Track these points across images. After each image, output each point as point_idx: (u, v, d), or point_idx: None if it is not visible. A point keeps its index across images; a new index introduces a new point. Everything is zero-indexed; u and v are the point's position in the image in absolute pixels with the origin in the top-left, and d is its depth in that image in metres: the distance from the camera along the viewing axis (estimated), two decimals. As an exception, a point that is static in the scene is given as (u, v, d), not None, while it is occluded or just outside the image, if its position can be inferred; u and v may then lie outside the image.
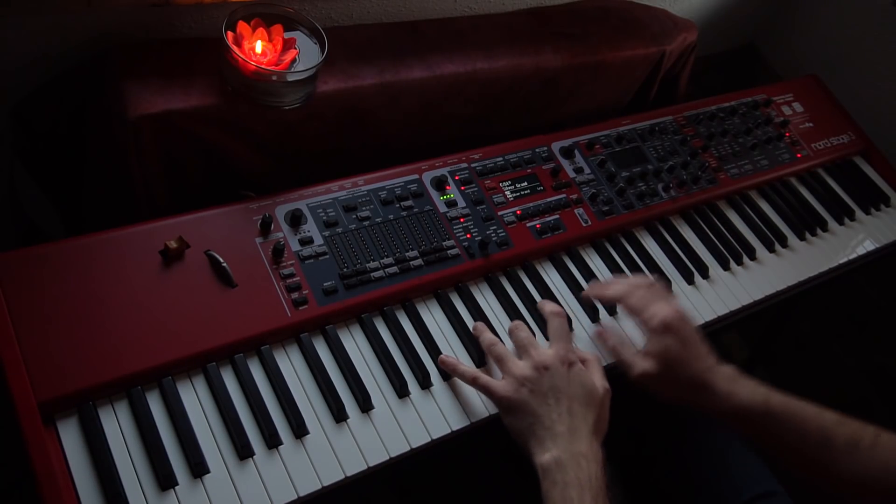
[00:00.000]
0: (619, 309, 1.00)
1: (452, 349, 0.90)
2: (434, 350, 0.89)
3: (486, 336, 0.88)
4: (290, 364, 0.83)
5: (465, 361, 0.89)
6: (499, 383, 0.81)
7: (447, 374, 0.87)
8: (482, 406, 0.86)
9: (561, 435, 0.75)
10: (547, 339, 0.93)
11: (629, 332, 0.98)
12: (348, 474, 0.77)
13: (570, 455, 0.74)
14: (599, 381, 0.82)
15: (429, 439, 0.82)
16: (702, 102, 1.32)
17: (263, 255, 0.87)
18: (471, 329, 0.91)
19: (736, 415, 0.83)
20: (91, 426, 0.72)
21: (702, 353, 0.87)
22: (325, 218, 0.92)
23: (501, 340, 0.88)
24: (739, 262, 1.14)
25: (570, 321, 0.94)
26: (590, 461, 0.74)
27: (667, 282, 1.06)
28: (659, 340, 0.87)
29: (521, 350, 0.84)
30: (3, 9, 0.80)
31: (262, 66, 0.89)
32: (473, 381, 0.83)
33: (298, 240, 0.90)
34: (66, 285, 0.77)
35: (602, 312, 0.99)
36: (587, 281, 1.02)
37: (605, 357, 0.94)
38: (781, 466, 0.85)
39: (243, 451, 0.75)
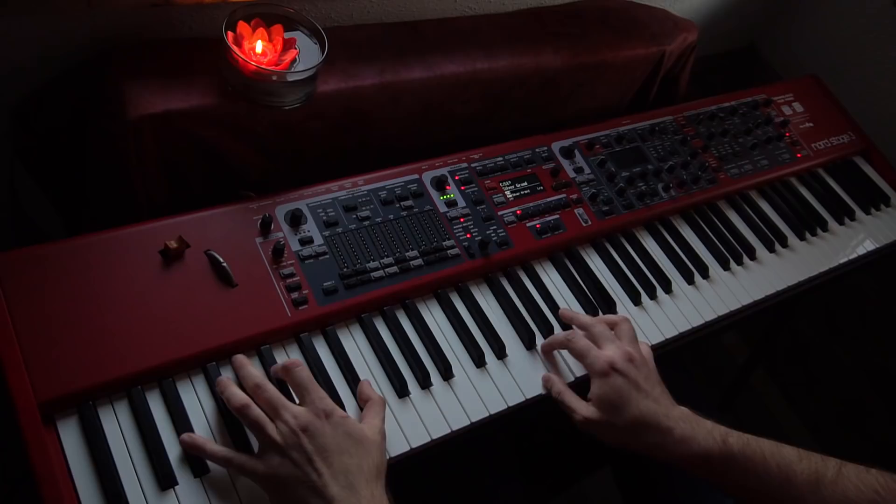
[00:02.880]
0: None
1: (452, 349, 0.90)
2: (434, 350, 0.89)
3: (233, 392, 0.75)
4: (290, 364, 0.83)
5: (465, 361, 0.90)
6: (258, 462, 0.71)
7: (447, 374, 0.87)
8: (482, 406, 0.86)
9: (337, 497, 0.68)
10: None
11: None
12: (348, 474, 0.77)
13: None
14: (373, 427, 0.75)
15: (429, 439, 0.82)
16: (702, 102, 1.32)
17: (263, 255, 0.87)
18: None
19: (694, 460, 0.79)
20: (91, 426, 0.72)
21: (655, 396, 0.83)
22: (325, 218, 0.92)
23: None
24: (739, 262, 1.14)
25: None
26: None
27: (666, 282, 1.06)
28: (602, 384, 0.84)
29: (271, 412, 0.73)
30: (2, 9, 0.80)
31: (263, 66, 0.89)
32: (227, 464, 0.72)
33: (298, 240, 0.90)
34: (66, 285, 0.77)
35: (601, 314, 0.99)
36: (587, 281, 1.02)
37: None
38: None
39: (243, 450, 0.75)
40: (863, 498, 0.74)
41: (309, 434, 0.71)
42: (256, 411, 0.73)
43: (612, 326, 0.91)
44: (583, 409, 0.84)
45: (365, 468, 0.71)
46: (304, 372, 0.77)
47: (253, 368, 0.78)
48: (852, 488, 0.75)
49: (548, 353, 0.93)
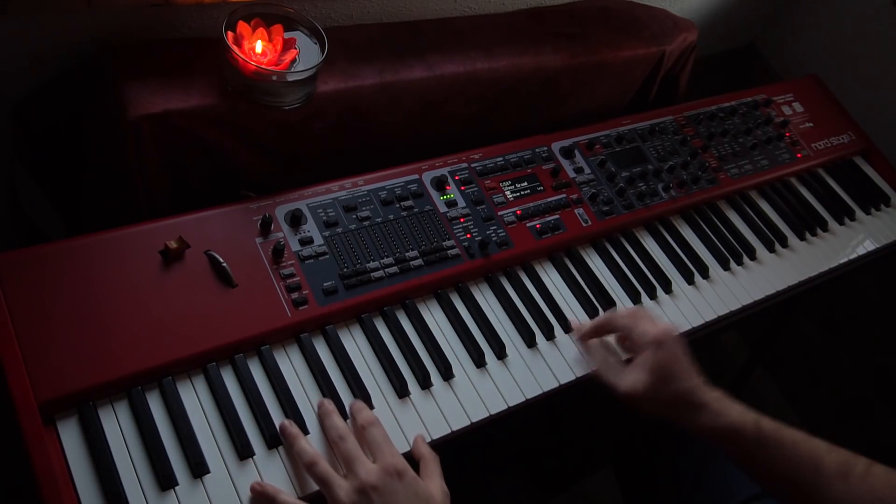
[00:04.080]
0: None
1: (452, 349, 0.90)
2: (434, 350, 0.89)
3: (301, 447, 0.75)
4: (290, 364, 0.83)
5: (465, 361, 0.90)
6: None
7: (447, 374, 0.87)
8: (483, 406, 0.86)
9: None
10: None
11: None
12: (348, 474, 0.77)
13: None
14: (437, 486, 0.75)
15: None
16: (702, 102, 1.32)
17: (263, 255, 0.87)
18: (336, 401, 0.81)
19: (726, 434, 0.82)
20: (91, 426, 0.72)
21: (691, 372, 0.86)
22: (325, 218, 0.92)
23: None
24: (739, 262, 1.14)
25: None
26: None
27: (666, 282, 1.06)
28: (649, 356, 0.86)
29: (345, 466, 0.73)
30: (2, 9, 0.80)
31: (262, 66, 0.88)
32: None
33: (298, 240, 0.90)
34: (66, 285, 0.77)
35: (602, 313, 0.99)
36: (587, 281, 1.02)
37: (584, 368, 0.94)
38: (771, 490, 0.83)
39: (243, 451, 0.75)
40: (890, 497, 0.74)
41: (378, 493, 0.70)
42: (323, 468, 0.72)
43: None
44: (628, 380, 0.87)
45: None
46: (379, 431, 0.77)
47: (338, 418, 0.78)
48: (880, 486, 0.75)
49: (586, 340, 0.95)
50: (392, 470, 0.72)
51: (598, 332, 0.94)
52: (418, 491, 0.72)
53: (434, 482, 0.75)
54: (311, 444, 0.76)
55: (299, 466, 0.75)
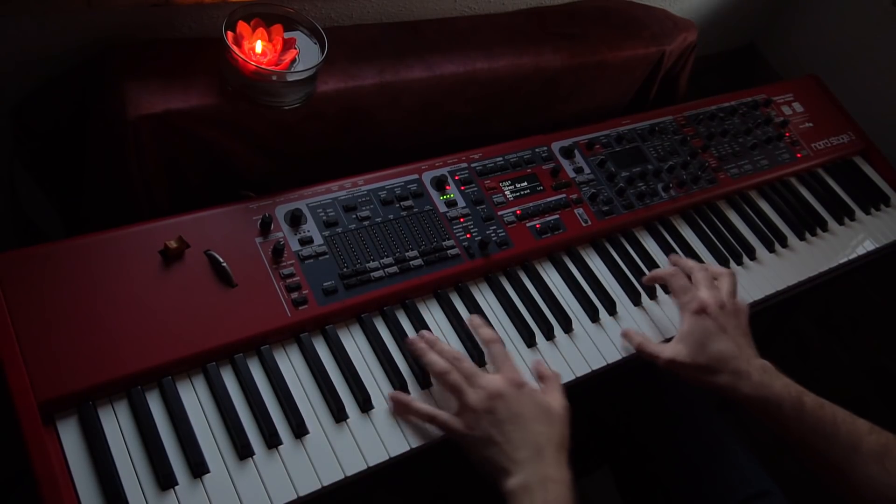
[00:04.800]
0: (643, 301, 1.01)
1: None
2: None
3: (434, 359, 0.83)
4: (290, 364, 0.83)
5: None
6: (457, 421, 0.79)
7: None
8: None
9: (524, 460, 0.74)
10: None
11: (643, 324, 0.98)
12: (348, 474, 0.77)
13: (536, 478, 0.73)
14: (557, 399, 0.81)
15: (429, 439, 0.82)
16: (702, 102, 1.32)
17: (263, 255, 0.87)
18: (412, 339, 0.86)
19: (766, 405, 0.84)
20: (91, 426, 0.72)
21: (740, 344, 0.88)
22: (325, 218, 0.92)
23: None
24: (739, 262, 1.14)
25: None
26: (557, 483, 0.73)
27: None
28: (691, 322, 0.90)
29: (470, 381, 0.80)
30: (2, 9, 0.80)
31: (262, 66, 0.89)
32: (432, 420, 0.80)
33: (298, 240, 0.90)
34: (66, 285, 0.77)
35: (602, 312, 1.00)
36: (587, 281, 1.02)
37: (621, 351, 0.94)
38: (805, 465, 0.85)
39: (243, 451, 0.75)
40: None
41: (502, 400, 0.77)
42: (456, 376, 0.80)
43: (714, 277, 0.96)
44: (667, 351, 0.90)
45: (554, 438, 0.76)
46: (501, 347, 0.85)
47: (446, 344, 0.85)
48: None
49: (648, 286, 1.02)
50: (514, 381, 0.80)
51: (660, 281, 1.01)
52: (539, 401, 0.79)
53: (554, 396, 0.82)
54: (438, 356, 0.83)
55: (299, 467, 0.75)
